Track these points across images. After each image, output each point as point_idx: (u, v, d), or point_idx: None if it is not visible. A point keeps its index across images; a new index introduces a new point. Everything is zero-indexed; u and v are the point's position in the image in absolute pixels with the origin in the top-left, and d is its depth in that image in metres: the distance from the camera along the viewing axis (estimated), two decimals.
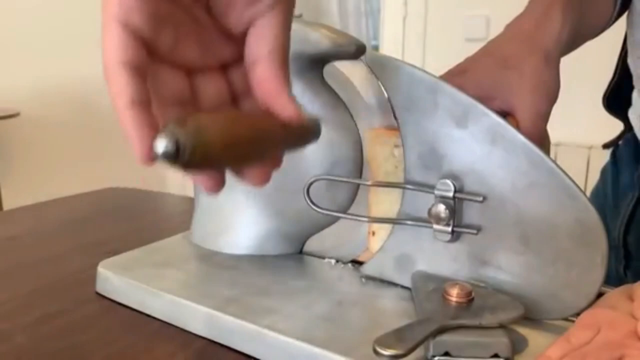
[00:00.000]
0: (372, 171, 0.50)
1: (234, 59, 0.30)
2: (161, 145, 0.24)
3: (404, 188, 0.46)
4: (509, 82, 0.49)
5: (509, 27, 0.54)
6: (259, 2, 0.28)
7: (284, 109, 0.28)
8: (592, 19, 0.59)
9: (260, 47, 0.28)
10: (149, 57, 0.27)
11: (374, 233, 0.51)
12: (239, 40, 0.29)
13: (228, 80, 0.30)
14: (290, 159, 0.51)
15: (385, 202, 0.50)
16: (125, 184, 0.98)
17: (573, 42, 0.56)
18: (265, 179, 0.30)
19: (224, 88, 0.30)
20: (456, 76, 0.50)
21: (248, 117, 0.28)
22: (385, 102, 0.47)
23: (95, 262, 0.53)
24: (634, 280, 0.41)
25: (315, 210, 0.49)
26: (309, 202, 0.49)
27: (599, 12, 0.60)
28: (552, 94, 0.50)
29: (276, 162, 0.30)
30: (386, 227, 0.50)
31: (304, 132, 0.29)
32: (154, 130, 0.25)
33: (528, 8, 0.54)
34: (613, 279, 0.40)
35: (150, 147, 0.24)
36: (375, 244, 0.51)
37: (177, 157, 0.24)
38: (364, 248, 0.52)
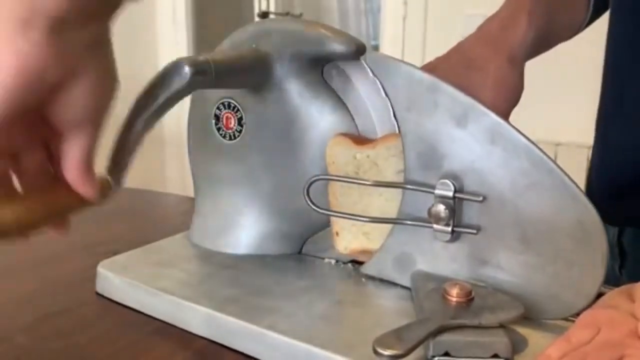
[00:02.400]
0: (329, 174, 0.50)
1: (54, 135, 0.35)
2: None
3: (404, 188, 0.46)
4: (472, 81, 0.50)
5: (479, 28, 0.56)
6: (83, 124, 0.34)
7: (84, 192, 0.35)
8: (563, 21, 0.61)
9: (74, 148, 0.34)
10: None
11: (337, 233, 0.51)
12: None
13: (48, 149, 0.36)
14: (290, 159, 0.51)
15: (345, 205, 0.50)
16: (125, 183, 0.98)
17: (542, 44, 0.57)
18: (65, 230, 0.37)
19: (44, 157, 0.36)
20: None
21: (46, 196, 0.35)
22: (384, 105, 0.47)
23: (95, 262, 0.53)
24: (630, 280, 0.41)
25: (315, 210, 0.49)
26: (309, 202, 0.49)
27: (571, 15, 0.61)
28: (513, 95, 0.51)
29: (67, 224, 0.38)
30: (348, 229, 0.50)
31: (98, 198, 0.37)
32: None
33: (498, 11, 0.56)
34: (608, 278, 0.40)
35: None
36: (340, 244, 0.51)
37: None
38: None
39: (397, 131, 0.47)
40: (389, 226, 0.49)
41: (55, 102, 0.33)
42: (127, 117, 0.41)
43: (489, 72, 0.51)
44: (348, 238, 0.51)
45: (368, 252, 0.50)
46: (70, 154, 0.35)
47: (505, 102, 0.50)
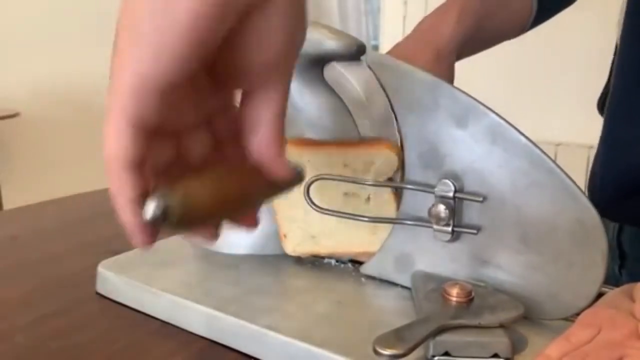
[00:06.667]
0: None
1: (219, 110, 0.29)
2: (149, 211, 0.25)
3: (404, 188, 0.46)
4: None
5: (415, 27, 0.59)
6: (272, 74, 0.27)
7: (278, 171, 0.28)
8: (502, 19, 0.63)
9: (264, 111, 0.27)
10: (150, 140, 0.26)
11: (285, 236, 0.52)
12: (227, 93, 0.28)
13: (212, 130, 0.30)
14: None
15: (288, 212, 0.51)
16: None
17: (478, 40, 0.61)
18: (255, 224, 0.31)
19: (209, 140, 0.29)
20: None
21: (234, 176, 0.29)
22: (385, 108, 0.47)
23: (95, 262, 0.53)
24: (630, 280, 0.41)
25: (316, 210, 0.49)
26: (309, 202, 0.48)
27: (512, 13, 0.64)
28: None
29: (256, 211, 0.31)
30: (294, 231, 0.51)
31: (288, 184, 0.30)
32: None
33: (432, 11, 0.60)
34: (609, 279, 0.40)
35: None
36: (288, 247, 0.52)
37: (165, 221, 0.25)
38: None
39: (397, 131, 0.47)
40: (337, 232, 0.50)
41: (242, 40, 0.25)
42: None
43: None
44: (296, 241, 0.52)
45: (316, 256, 0.52)
46: (260, 119, 0.27)
47: None
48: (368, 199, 0.49)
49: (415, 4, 2.22)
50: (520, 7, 0.64)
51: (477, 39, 0.60)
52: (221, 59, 0.26)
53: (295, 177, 0.31)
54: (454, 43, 0.57)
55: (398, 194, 0.49)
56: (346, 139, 0.50)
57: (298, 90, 0.50)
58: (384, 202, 0.48)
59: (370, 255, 0.50)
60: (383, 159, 0.47)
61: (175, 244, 0.58)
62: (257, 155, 0.28)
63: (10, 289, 0.54)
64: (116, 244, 0.62)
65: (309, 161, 0.49)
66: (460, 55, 0.59)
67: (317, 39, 0.48)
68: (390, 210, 0.48)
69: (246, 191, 0.29)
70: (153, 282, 0.49)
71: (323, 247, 0.51)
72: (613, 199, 0.59)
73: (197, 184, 0.26)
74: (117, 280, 0.51)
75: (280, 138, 0.28)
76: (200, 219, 0.27)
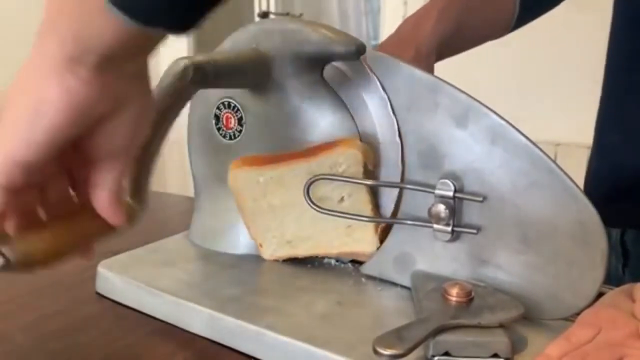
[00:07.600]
0: (238, 201, 0.51)
1: (81, 161, 0.35)
2: None
3: (404, 188, 0.46)
4: None
5: (397, 27, 0.61)
6: (116, 156, 0.35)
7: (114, 222, 0.36)
8: (485, 19, 0.64)
9: (108, 177, 0.35)
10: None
11: (261, 245, 0.53)
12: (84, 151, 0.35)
13: (70, 175, 0.36)
14: None
15: (260, 225, 0.52)
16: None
17: (459, 39, 0.61)
18: (91, 255, 0.39)
19: (67, 184, 0.36)
20: None
21: (73, 225, 0.36)
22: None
23: (95, 262, 0.53)
24: (633, 279, 0.41)
25: (316, 210, 0.49)
26: (309, 202, 0.48)
27: (495, 13, 0.65)
28: None
29: (93, 250, 0.39)
30: (270, 240, 0.52)
31: (126, 225, 0.37)
32: None
33: (416, 11, 0.61)
34: (612, 278, 0.40)
35: None
36: (265, 253, 0.53)
37: (7, 269, 0.32)
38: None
39: (397, 131, 0.47)
40: (313, 235, 0.50)
41: (97, 134, 0.33)
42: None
43: None
44: (272, 247, 0.52)
45: (294, 258, 0.52)
46: (103, 185, 0.35)
47: None
48: (341, 199, 0.49)
49: (415, 4, 2.21)
50: (502, 7, 0.64)
51: (458, 38, 0.61)
52: (80, 143, 0.34)
53: (130, 217, 0.38)
54: (433, 42, 0.58)
55: (373, 192, 0.49)
56: (306, 148, 0.50)
57: (298, 90, 0.50)
58: (359, 202, 0.48)
59: (348, 255, 0.51)
60: (347, 158, 0.47)
61: (176, 244, 0.58)
62: (99, 209, 0.35)
63: (11, 289, 0.54)
64: (116, 244, 0.62)
65: (272, 178, 0.49)
66: (441, 55, 0.59)
67: (317, 39, 0.48)
68: (366, 209, 0.48)
69: (85, 234, 0.37)
70: (153, 282, 0.49)
71: (301, 250, 0.51)
72: (607, 205, 0.59)
73: (36, 239, 0.34)
74: (117, 280, 0.51)
75: (117, 200, 0.35)
76: (39, 265, 0.34)
